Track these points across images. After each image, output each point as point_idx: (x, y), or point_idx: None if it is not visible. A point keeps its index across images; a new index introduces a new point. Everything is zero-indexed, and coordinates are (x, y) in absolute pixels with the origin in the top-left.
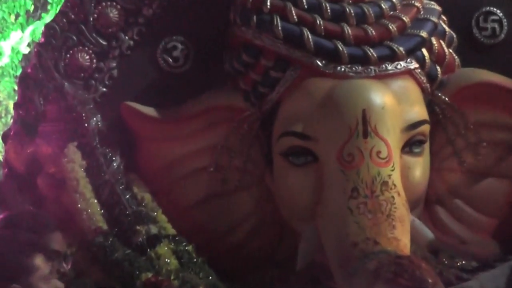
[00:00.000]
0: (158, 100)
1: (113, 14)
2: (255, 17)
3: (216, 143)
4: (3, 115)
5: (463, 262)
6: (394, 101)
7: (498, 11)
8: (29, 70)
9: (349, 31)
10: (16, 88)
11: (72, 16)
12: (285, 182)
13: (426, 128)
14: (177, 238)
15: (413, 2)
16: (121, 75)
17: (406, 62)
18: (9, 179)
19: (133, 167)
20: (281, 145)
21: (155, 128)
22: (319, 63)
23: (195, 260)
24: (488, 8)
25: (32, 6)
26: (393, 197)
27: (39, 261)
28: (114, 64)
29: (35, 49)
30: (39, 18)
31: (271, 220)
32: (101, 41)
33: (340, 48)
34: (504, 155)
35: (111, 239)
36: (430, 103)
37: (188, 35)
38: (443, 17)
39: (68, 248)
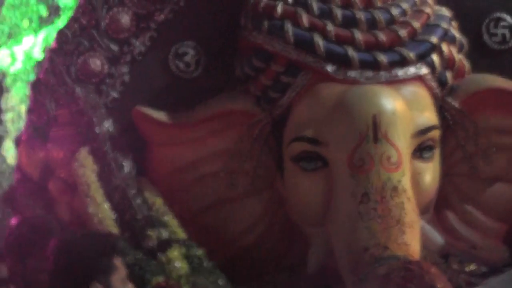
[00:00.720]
0: (169, 105)
1: (125, 19)
2: (266, 22)
3: (226, 147)
4: (15, 120)
5: (473, 267)
6: (404, 107)
7: (508, 17)
8: (41, 76)
9: (360, 36)
10: (28, 93)
11: (84, 22)
12: (295, 187)
13: (436, 133)
14: (187, 243)
15: (423, 8)
16: (132, 80)
17: (416, 67)
18: (21, 183)
19: (144, 171)
20: (292, 150)
21: (166, 133)
22: (329, 68)
23: (205, 264)
24: (498, 14)
25: (46, 12)
26: (403, 202)
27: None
28: (126, 69)
29: (47, 55)
30: (52, 23)
31: (281, 224)
32: (112, 46)
33: (351, 54)
34: None
35: (122, 243)
36: (441, 109)
37: (199, 41)
38: (454, 23)
39: None
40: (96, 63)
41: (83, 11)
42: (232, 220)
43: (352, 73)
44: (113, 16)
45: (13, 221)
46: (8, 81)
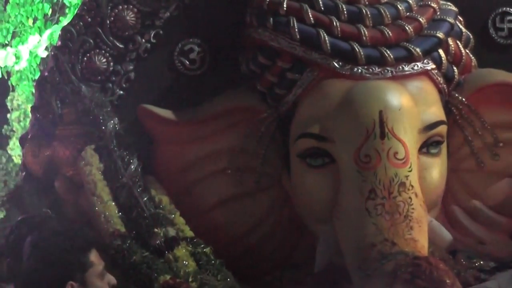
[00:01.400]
0: (175, 102)
1: (130, 17)
2: (271, 19)
3: (233, 145)
4: (21, 119)
5: (481, 262)
6: (411, 102)
7: None
8: (46, 74)
9: (366, 32)
10: (33, 91)
11: (89, 19)
12: (302, 184)
13: (443, 128)
14: (195, 240)
15: (429, 3)
16: (138, 77)
17: (422, 63)
18: (27, 182)
19: (150, 169)
20: (298, 147)
21: (172, 131)
22: (336, 64)
23: (213, 262)
24: (504, 8)
25: (50, 10)
26: (410, 198)
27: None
28: (131, 67)
29: (52, 53)
30: (57, 21)
31: (288, 221)
32: (118, 44)
33: (357, 49)
34: None
35: (129, 241)
36: (447, 104)
37: (204, 38)
38: (460, 17)
39: None
40: (102, 60)
41: (88, 8)
42: (239, 217)
43: (358, 69)
44: (118, 14)
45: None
46: (13, 79)
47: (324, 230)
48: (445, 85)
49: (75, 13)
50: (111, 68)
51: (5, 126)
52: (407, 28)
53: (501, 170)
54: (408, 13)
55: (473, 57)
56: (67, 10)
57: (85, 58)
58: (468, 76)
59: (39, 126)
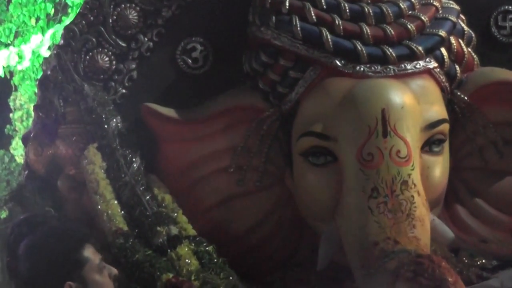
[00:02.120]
0: (177, 101)
1: (132, 16)
2: (274, 17)
3: (235, 143)
4: (24, 118)
5: (484, 260)
6: (413, 100)
7: None
8: (48, 72)
9: (368, 31)
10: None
11: (91, 18)
12: (305, 182)
13: (445, 127)
14: (197, 239)
15: (431, 1)
16: (140, 76)
17: (425, 61)
18: (29, 181)
19: (153, 168)
20: (301, 145)
21: (175, 129)
22: (338, 63)
23: (215, 260)
24: (506, 7)
25: (53, 10)
26: (413, 196)
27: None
28: (134, 66)
29: (55, 51)
30: (60, 21)
31: (291, 220)
32: (120, 43)
33: (359, 48)
34: None
35: (131, 240)
36: (450, 102)
37: (207, 36)
38: (462, 16)
39: None
40: (104, 59)
41: (90, 7)
42: (242, 216)
43: (361, 67)
44: (120, 13)
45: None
46: (16, 79)
47: (327, 229)
48: (447, 84)
49: (77, 12)
50: (113, 67)
51: (8, 126)
52: (409, 26)
53: (504, 168)
54: (410, 12)
55: (475, 56)
56: (69, 10)
57: (88, 57)
58: (471, 75)
59: (41, 125)
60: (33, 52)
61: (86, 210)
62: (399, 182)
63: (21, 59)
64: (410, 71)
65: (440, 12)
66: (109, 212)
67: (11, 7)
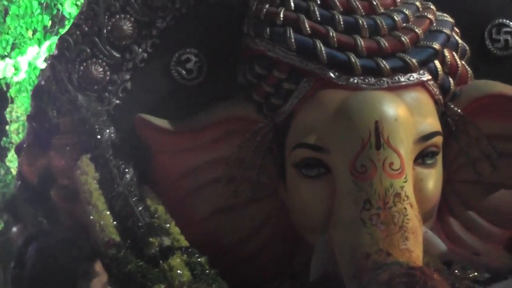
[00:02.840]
0: (171, 112)
1: (127, 26)
2: (268, 29)
3: (229, 154)
4: (20, 130)
5: (476, 273)
6: (407, 113)
7: (511, 23)
8: (43, 83)
9: (362, 43)
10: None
11: (86, 29)
12: (298, 194)
13: (439, 139)
14: (190, 250)
15: (426, 14)
16: (134, 87)
17: (419, 74)
18: (22, 191)
19: (146, 179)
20: (294, 157)
21: (168, 140)
22: (332, 74)
23: (208, 272)
24: (500, 20)
25: (50, 22)
26: (405, 208)
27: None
28: (128, 77)
29: (49, 62)
30: (57, 33)
31: (284, 232)
32: (114, 53)
33: (353, 60)
34: None
35: (123, 251)
36: (443, 115)
37: (201, 48)
38: (456, 29)
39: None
40: (98, 70)
41: (85, 17)
42: (234, 227)
43: (355, 79)
44: (115, 23)
45: (15, 229)
46: (12, 91)
47: (320, 240)
48: (441, 96)
49: (72, 22)
50: (107, 78)
51: (4, 138)
52: (403, 39)
53: (498, 181)
54: (404, 24)
55: (469, 69)
56: (66, 22)
57: (82, 68)
58: (464, 87)
59: (35, 135)
60: (30, 64)
61: (79, 221)
62: (392, 194)
63: (17, 71)
64: (403, 83)
65: (434, 24)
66: (102, 222)
67: (8, 19)
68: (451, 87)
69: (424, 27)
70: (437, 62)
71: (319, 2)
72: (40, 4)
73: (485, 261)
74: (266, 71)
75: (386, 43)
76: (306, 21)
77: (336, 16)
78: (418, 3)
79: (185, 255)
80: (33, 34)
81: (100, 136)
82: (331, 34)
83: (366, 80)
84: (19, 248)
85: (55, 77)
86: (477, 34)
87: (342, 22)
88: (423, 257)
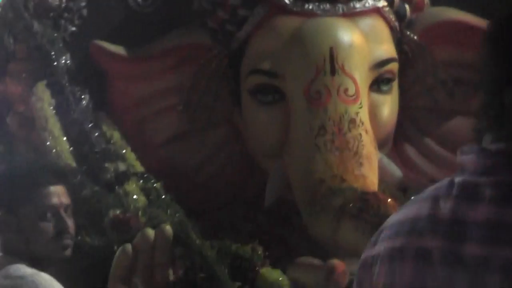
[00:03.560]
0: (127, 40)
1: None
2: None
3: (184, 81)
4: None
5: None
6: (362, 39)
7: None
8: None
9: None
10: None
11: None
12: (253, 120)
13: (394, 66)
14: (145, 176)
15: None
16: (90, 14)
17: (374, 0)
18: None
19: (102, 105)
20: (249, 83)
21: (124, 67)
22: (286, 1)
23: (163, 197)
24: None
25: None
26: (360, 134)
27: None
28: (84, 4)
29: None
30: None
31: (239, 158)
32: None
33: None
34: (471, 94)
35: (79, 176)
36: (399, 42)
37: None
38: None
39: None
40: None
41: None
42: (190, 153)
43: (309, 6)
44: None
45: None
46: None
47: (275, 166)
48: (397, 23)
49: None
50: (63, 5)
51: None
52: None
53: (454, 108)
54: None
55: None
56: None
57: None
58: (421, 14)
59: None
60: None
61: (35, 147)
62: (346, 120)
63: None
64: (359, 9)
65: None
66: (58, 148)
67: None
68: (407, 13)
69: None
70: None
71: None
72: None
73: None
74: None
75: None
76: None
77: None
78: None
79: (141, 181)
80: None
81: (56, 62)
82: None
83: (321, 6)
84: None
85: (11, 5)
86: None
87: None
88: (379, 184)
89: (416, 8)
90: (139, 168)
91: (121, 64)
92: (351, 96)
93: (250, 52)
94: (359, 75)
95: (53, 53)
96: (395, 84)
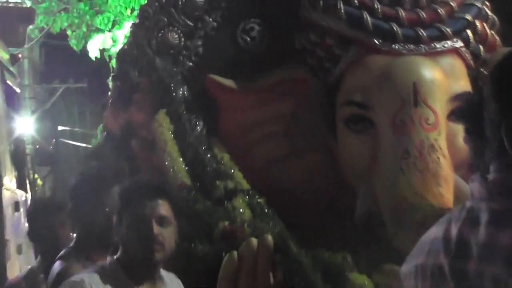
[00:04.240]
0: (237, 74)
1: None
2: (321, 1)
3: (286, 111)
4: None
5: None
6: (441, 75)
7: None
8: (126, 47)
9: (403, 14)
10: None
11: (163, 1)
12: (346, 146)
13: None
14: (250, 192)
15: None
16: (205, 52)
17: (453, 41)
18: (107, 141)
19: (214, 131)
20: (343, 113)
21: (234, 98)
22: (376, 41)
23: (266, 211)
24: None
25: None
26: (438, 158)
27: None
28: (200, 43)
29: (132, 29)
30: None
31: (333, 177)
32: (188, 22)
33: (395, 29)
34: None
35: (193, 192)
36: (475, 79)
37: (264, 18)
38: (487, 3)
39: None
40: (174, 36)
41: None
42: (290, 174)
43: (396, 46)
44: None
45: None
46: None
47: (364, 185)
48: (472, 62)
49: None
50: (182, 44)
51: None
52: (439, 11)
53: None
54: None
55: (498, 38)
56: None
57: (160, 35)
58: (494, 54)
59: (118, 92)
60: (125, 37)
61: (155, 167)
62: (427, 145)
63: (115, 42)
64: (439, 49)
65: None
66: (175, 168)
67: (110, 0)
68: (482, 53)
69: (459, 0)
70: (469, 31)
71: None
72: None
73: None
74: (319, 38)
75: (424, 14)
76: None
77: None
78: None
79: (247, 197)
80: (131, 12)
81: (175, 93)
82: (376, 6)
83: (406, 46)
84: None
85: (136, 43)
86: (506, 7)
87: None
88: (454, 202)
89: (490, 49)
90: (245, 185)
91: (231, 96)
92: (431, 125)
93: (344, 86)
94: (439, 106)
95: (172, 85)
96: None
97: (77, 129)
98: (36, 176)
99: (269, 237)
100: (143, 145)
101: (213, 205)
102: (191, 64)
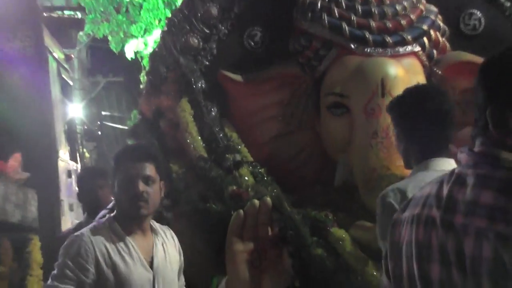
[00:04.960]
0: (243, 70)
1: (214, 11)
2: (310, 13)
3: (282, 99)
4: None
5: None
6: (403, 72)
7: (478, 12)
8: (156, 49)
9: (374, 24)
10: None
11: (186, 12)
12: (328, 127)
13: None
14: (253, 163)
15: (418, 5)
16: (218, 53)
17: (412, 46)
18: (141, 122)
19: (225, 115)
20: (326, 101)
21: (241, 89)
22: (352, 46)
23: (266, 178)
24: (471, 10)
25: (170, 14)
26: None
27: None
28: (214, 46)
29: (161, 35)
30: None
31: (318, 152)
32: (205, 29)
33: (367, 36)
34: None
35: (209, 163)
36: (429, 75)
37: (264, 26)
38: (439, 16)
39: (180, 169)
40: (194, 41)
41: (186, 5)
42: (285, 149)
43: (368, 49)
44: (206, 9)
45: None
46: (144, 61)
47: (342, 158)
48: (427, 62)
49: (178, 8)
50: (200, 46)
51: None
52: (402, 21)
53: (465, 121)
54: (403, 12)
55: (447, 43)
56: None
57: (183, 39)
58: (444, 56)
59: (150, 85)
60: (155, 42)
61: (179, 142)
62: (391, 128)
63: (146, 46)
64: (401, 52)
65: (424, 13)
66: (195, 144)
67: (142, 12)
68: (435, 56)
69: (417, 14)
70: (425, 39)
71: None
72: (164, 2)
73: None
74: (308, 42)
75: (390, 24)
76: (335, 9)
77: (356, 5)
78: None
79: (250, 167)
80: (159, 22)
81: (195, 85)
82: (352, 18)
83: (376, 50)
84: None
85: (165, 45)
86: (454, 20)
87: (360, 10)
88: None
89: (441, 52)
90: (250, 158)
91: (239, 87)
92: None
93: (327, 80)
94: None
95: (192, 79)
96: None
97: (115, 114)
98: (84, 150)
99: (268, 199)
100: (169, 126)
101: (224, 173)
102: (207, 62)
